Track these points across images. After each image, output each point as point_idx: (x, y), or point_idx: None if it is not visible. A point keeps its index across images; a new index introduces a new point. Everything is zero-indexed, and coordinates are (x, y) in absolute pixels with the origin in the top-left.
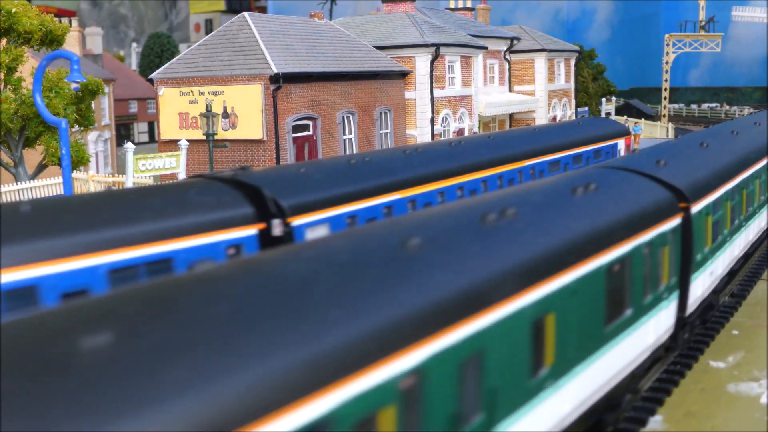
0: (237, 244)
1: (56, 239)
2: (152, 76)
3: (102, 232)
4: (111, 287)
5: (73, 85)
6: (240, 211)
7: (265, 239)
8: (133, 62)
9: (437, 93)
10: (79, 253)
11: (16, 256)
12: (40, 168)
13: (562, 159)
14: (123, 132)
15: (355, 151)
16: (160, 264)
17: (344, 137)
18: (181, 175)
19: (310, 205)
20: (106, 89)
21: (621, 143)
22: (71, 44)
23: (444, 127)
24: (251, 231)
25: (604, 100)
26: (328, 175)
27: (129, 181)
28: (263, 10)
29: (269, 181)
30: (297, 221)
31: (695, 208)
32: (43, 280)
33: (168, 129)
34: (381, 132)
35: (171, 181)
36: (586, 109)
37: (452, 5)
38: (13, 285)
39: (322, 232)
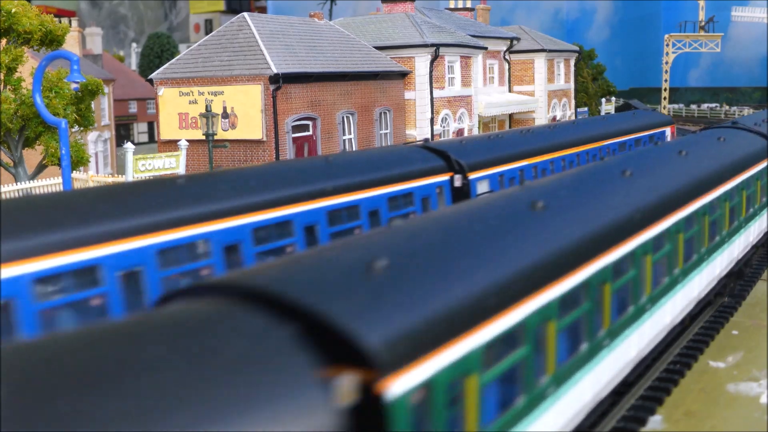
0: (440, 185)
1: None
2: (152, 76)
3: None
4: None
5: (73, 86)
6: (439, 164)
7: (451, 186)
8: (133, 62)
9: (437, 93)
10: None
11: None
12: (40, 168)
13: (627, 141)
14: (123, 132)
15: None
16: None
17: (344, 137)
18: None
19: (481, 165)
20: (106, 89)
21: (668, 130)
22: (71, 44)
23: (444, 127)
24: (446, 177)
25: (603, 100)
26: (490, 145)
27: (129, 181)
28: (263, 10)
29: (453, 148)
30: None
31: None
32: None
33: (168, 129)
34: (381, 132)
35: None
36: (586, 109)
37: (452, 5)
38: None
39: (485, 185)
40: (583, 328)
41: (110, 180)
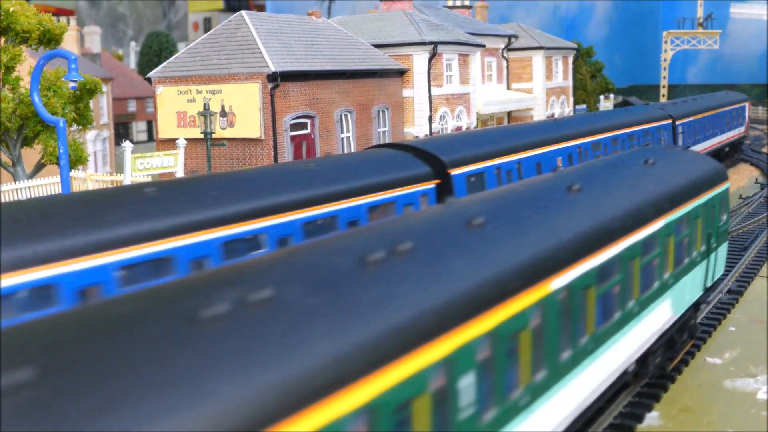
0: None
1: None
2: (150, 75)
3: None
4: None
5: (71, 84)
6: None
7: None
8: (132, 61)
9: (435, 91)
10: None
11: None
12: (39, 167)
13: (636, 132)
14: (122, 131)
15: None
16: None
17: (342, 135)
18: (179, 174)
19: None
20: (105, 88)
21: (670, 124)
22: (69, 43)
23: (442, 125)
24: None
25: (602, 97)
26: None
27: (127, 179)
28: (262, 8)
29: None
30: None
31: None
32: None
33: (166, 128)
34: (379, 130)
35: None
36: (584, 106)
37: (450, 3)
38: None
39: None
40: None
41: (109, 179)
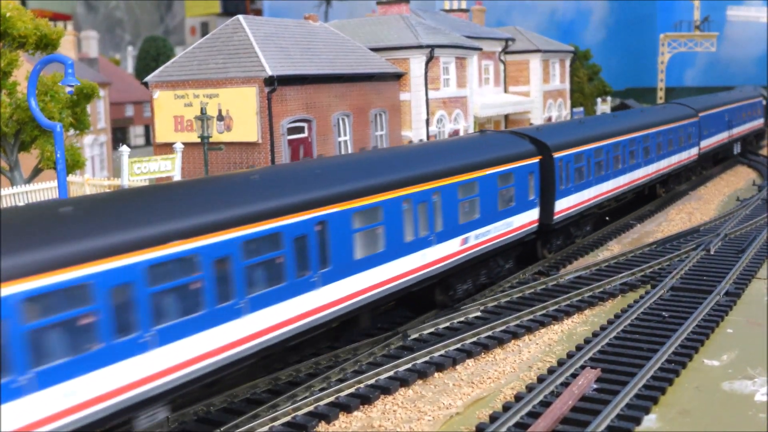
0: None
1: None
2: (147, 79)
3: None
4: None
5: (68, 89)
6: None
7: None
8: (129, 66)
9: (432, 94)
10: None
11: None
12: (36, 172)
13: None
14: (119, 135)
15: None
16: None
17: (339, 139)
18: (177, 178)
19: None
20: (102, 93)
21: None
22: (67, 48)
23: (439, 128)
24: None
25: (599, 100)
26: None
27: (124, 184)
28: (259, 12)
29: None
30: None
31: None
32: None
33: (163, 132)
34: (376, 134)
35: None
36: (582, 109)
37: (447, 7)
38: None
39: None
40: None
41: (106, 183)
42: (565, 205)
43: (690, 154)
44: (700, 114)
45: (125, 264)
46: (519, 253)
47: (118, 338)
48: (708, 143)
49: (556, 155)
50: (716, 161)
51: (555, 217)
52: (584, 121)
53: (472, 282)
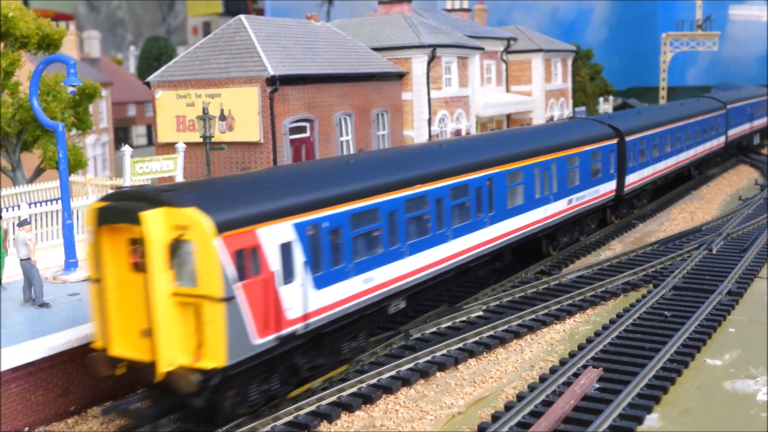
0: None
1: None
2: (149, 79)
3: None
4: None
5: (70, 89)
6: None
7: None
8: (131, 66)
9: (434, 94)
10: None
11: None
12: (38, 172)
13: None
14: (121, 135)
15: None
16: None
17: (341, 139)
18: (179, 178)
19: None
20: (104, 93)
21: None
22: (69, 48)
23: (441, 128)
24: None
25: (601, 99)
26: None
27: (126, 184)
28: (261, 12)
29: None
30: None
31: None
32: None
33: (165, 132)
34: (378, 133)
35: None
36: (584, 108)
37: (449, 6)
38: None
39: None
40: None
41: (108, 183)
42: (632, 180)
43: (719, 142)
44: (728, 107)
45: (395, 197)
46: (600, 217)
47: (390, 247)
48: (734, 132)
49: (628, 138)
50: (740, 149)
51: (625, 189)
52: (641, 111)
53: (569, 236)
